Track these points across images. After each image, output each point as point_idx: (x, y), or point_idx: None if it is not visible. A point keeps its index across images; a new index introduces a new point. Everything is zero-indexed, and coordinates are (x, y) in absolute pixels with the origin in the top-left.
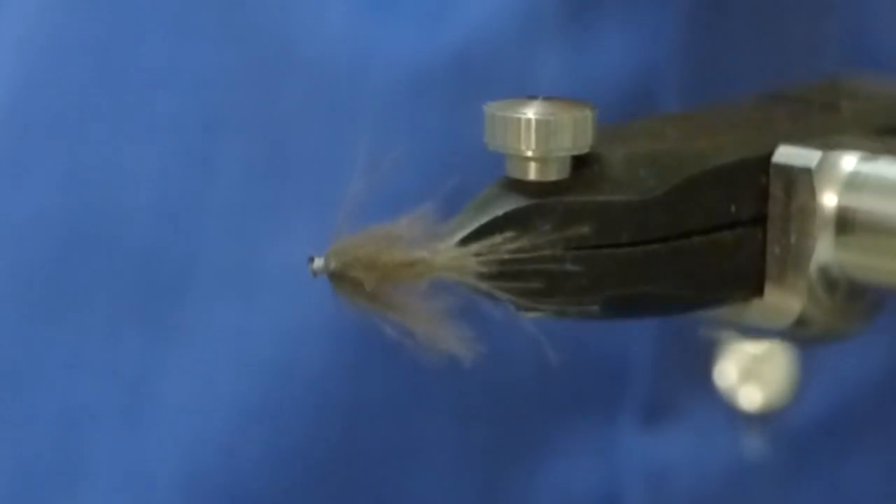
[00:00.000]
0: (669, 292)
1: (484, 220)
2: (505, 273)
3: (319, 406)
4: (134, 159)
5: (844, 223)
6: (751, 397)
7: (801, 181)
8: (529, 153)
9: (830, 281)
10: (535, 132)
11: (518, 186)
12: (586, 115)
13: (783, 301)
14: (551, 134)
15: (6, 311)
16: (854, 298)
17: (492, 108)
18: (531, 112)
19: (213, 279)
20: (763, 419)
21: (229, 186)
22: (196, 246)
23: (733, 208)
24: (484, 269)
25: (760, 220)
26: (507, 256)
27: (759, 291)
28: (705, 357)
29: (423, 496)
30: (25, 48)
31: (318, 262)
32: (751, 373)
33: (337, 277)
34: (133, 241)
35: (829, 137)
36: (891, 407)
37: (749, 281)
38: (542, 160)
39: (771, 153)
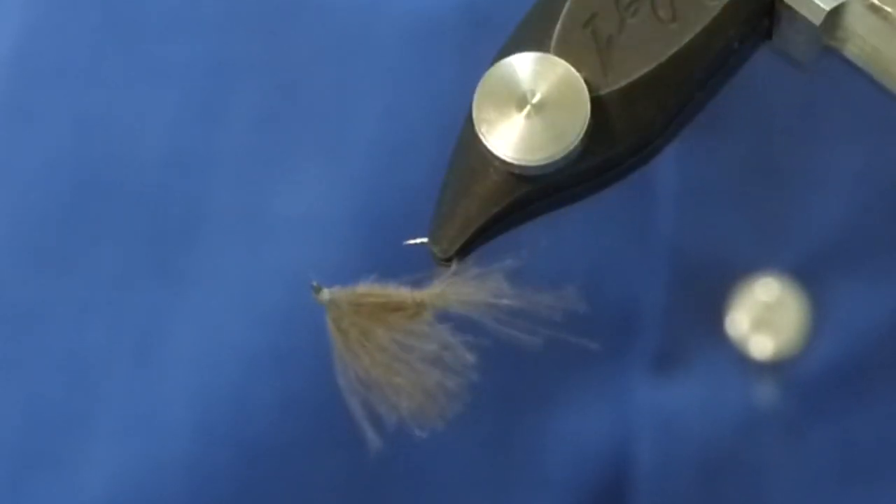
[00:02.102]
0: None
1: (482, 220)
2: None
3: (327, 352)
4: (143, 105)
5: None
6: (762, 346)
7: (806, 24)
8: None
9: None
10: (531, 170)
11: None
12: (583, 124)
13: (789, 46)
14: (548, 167)
15: (17, 256)
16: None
17: (482, 133)
18: (524, 153)
19: (223, 225)
20: (774, 368)
21: (239, 133)
22: (205, 192)
23: (736, 45)
24: (490, 303)
25: (766, 14)
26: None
27: (767, 37)
28: (717, 306)
29: (433, 444)
30: None
31: (326, 294)
32: (762, 322)
33: (336, 307)
34: (142, 187)
35: None
36: None
37: (756, 44)
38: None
39: None
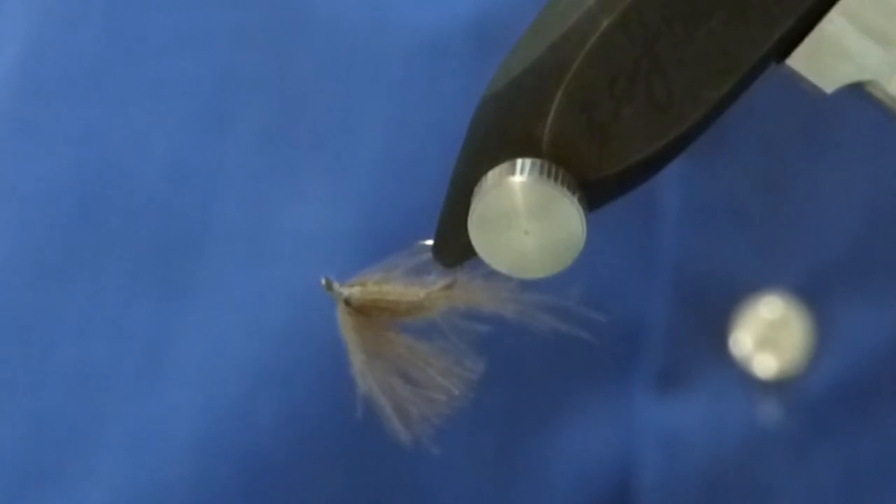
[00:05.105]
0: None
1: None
2: None
3: (332, 367)
4: (148, 120)
5: None
6: (766, 365)
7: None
8: None
9: None
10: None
11: None
12: (578, 248)
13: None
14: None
15: (21, 271)
16: None
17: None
18: (520, 272)
19: (227, 241)
20: (778, 387)
21: (244, 148)
22: (210, 208)
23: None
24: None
25: None
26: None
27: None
28: (721, 325)
29: (438, 460)
30: (39, 8)
31: (339, 288)
32: (766, 340)
33: (349, 305)
34: (147, 202)
35: None
36: None
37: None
38: None
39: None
